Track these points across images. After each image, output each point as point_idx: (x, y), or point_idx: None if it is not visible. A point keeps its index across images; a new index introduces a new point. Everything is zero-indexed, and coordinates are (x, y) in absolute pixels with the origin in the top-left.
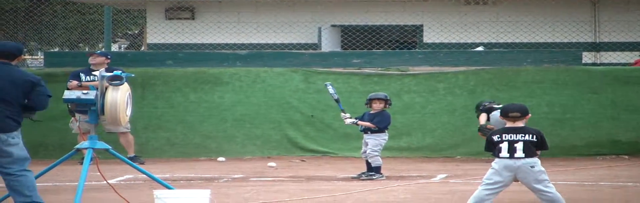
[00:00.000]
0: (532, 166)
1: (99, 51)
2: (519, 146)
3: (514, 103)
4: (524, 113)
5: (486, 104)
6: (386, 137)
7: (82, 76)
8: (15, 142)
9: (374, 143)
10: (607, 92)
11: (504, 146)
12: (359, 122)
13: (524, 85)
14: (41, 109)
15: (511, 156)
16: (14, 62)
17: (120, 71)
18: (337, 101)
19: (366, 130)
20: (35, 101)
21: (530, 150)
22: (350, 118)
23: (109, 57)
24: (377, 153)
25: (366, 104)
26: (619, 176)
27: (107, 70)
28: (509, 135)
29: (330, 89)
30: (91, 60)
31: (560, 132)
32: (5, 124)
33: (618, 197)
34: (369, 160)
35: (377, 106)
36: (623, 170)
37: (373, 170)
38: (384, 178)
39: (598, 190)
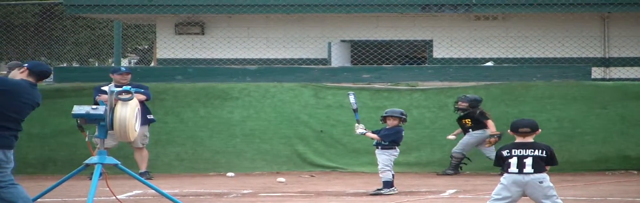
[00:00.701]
0: (541, 182)
1: (124, 68)
2: (528, 161)
3: (523, 119)
4: (533, 128)
5: (470, 109)
6: (396, 153)
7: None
8: (13, 158)
9: (384, 158)
10: (617, 107)
11: (513, 161)
12: (368, 133)
13: (534, 100)
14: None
15: (520, 172)
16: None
17: (141, 87)
18: (355, 111)
19: (377, 145)
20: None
21: (539, 165)
22: (364, 129)
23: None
24: (388, 168)
25: (381, 120)
26: (628, 192)
27: (131, 86)
28: (519, 150)
29: (352, 99)
30: (121, 79)
31: (569, 147)
32: (12, 142)
33: None
34: (380, 175)
35: (392, 122)
36: (632, 185)
37: (383, 185)
38: (393, 193)
39: None
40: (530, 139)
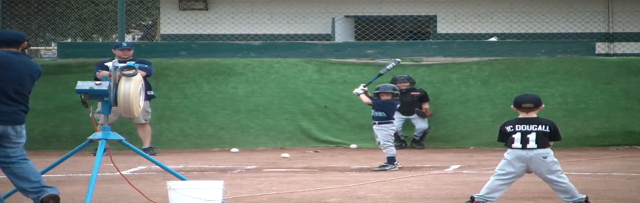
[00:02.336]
0: (545, 157)
1: (125, 44)
2: (532, 137)
3: (527, 94)
4: (537, 103)
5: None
6: (394, 128)
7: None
8: (24, 133)
9: (383, 134)
10: (621, 82)
11: (517, 136)
12: (363, 95)
13: (538, 76)
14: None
15: (523, 147)
16: (20, 50)
17: (144, 63)
18: (379, 74)
19: (374, 120)
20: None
21: (542, 140)
22: (363, 90)
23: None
24: (390, 144)
25: (374, 96)
26: (632, 167)
27: (134, 61)
28: (522, 126)
29: (389, 66)
30: (123, 54)
31: (573, 123)
32: (20, 117)
33: (631, 187)
34: (384, 151)
35: (385, 98)
36: (636, 160)
37: (387, 161)
38: (397, 168)
39: (611, 180)
40: (533, 114)
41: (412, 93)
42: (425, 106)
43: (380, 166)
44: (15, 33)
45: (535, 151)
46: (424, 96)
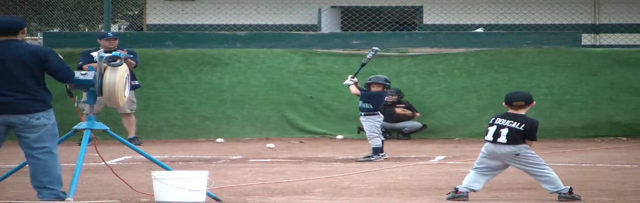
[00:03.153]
0: (517, 154)
1: (111, 33)
2: (504, 132)
3: (518, 91)
4: (528, 101)
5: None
6: (380, 119)
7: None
8: (40, 123)
9: (368, 125)
10: (606, 74)
11: (491, 129)
12: (352, 86)
13: (523, 67)
14: (66, 82)
15: (494, 141)
16: (20, 37)
17: (130, 53)
18: (362, 65)
19: (361, 112)
20: (54, 76)
21: (513, 137)
22: (352, 81)
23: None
24: (376, 134)
25: (365, 87)
26: (617, 158)
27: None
28: (502, 120)
29: (369, 55)
30: (109, 44)
31: (559, 114)
32: (22, 106)
33: (616, 178)
34: (369, 142)
35: (375, 89)
36: (621, 151)
37: (372, 151)
38: (382, 159)
39: (596, 171)
40: (522, 111)
41: (398, 105)
42: (403, 111)
43: (365, 157)
44: (11, 21)
45: (506, 149)
46: (409, 107)
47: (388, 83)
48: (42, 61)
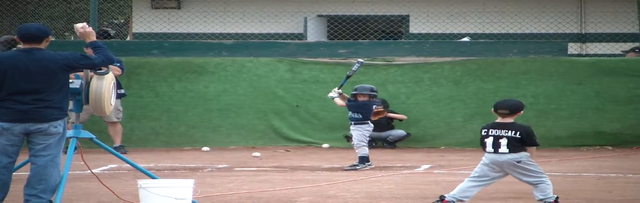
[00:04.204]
0: (518, 162)
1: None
2: (504, 142)
3: (507, 99)
4: (513, 110)
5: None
6: (369, 128)
7: None
8: (56, 131)
9: (357, 134)
10: (592, 83)
11: (489, 141)
12: (336, 99)
13: (510, 76)
14: (106, 64)
15: (495, 152)
16: (43, 45)
17: (119, 62)
18: (347, 77)
19: (351, 120)
20: (95, 69)
21: (514, 146)
22: (337, 93)
23: None
24: (363, 143)
25: (352, 96)
26: (602, 167)
27: None
28: (495, 130)
29: (355, 67)
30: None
31: (544, 123)
32: (41, 115)
33: (601, 187)
34: (356, 151)
35: (362, 99)
36: (607, 160)
37: (358, 160)
38: (368, 168)
39: (582, 181)
40: (510, 119)
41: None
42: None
43: (351, 166)
44: (37, 28)
45: (508, 156)
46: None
47: (374, 93)
48: (71, 67)
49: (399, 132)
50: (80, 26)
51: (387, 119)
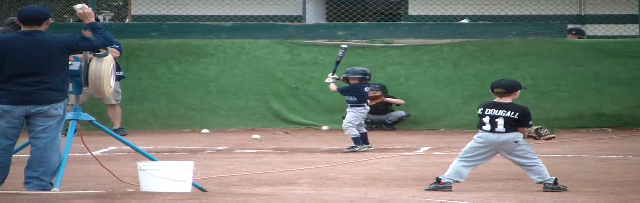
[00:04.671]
0: (516, 141)
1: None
2: (500, 121)
3: (504, 79)
4: (508, 89)
5: None
6: (365, 110)
7: None
8: (57, 113)
9: (350, 115)
10: (591, 65)
11: (486, 120)
12: (331, 84)
13: (509, 58)
14: (106, 46)
15: (492, 130)
16: (43, 28)
17: (116, 45)
18: (337, 62)
19: (347, 102)
20: (95, 51)
21: (510, 125)
22: (334, 79)
23: None
24: (350, 125)
25: (343, 79)
26: (602, 149)
27: None
28: (492, 110)
29: (340, 52)
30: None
31: (544, 105)
32: (42, 97)
33: (601, 169)
34: (345, 132)
35: (353, 82)
36: (606, 142)
37: (354, 142)
38: (366, 148)
39: (581, 162)
40: (507, 99)
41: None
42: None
43: (349, 148)
44: (37, 10)
45: (506, 136)
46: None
47: (365, 75)
48: (71, 49)
49: (398, 112)
50: (79, 7)
51: (384, 104)
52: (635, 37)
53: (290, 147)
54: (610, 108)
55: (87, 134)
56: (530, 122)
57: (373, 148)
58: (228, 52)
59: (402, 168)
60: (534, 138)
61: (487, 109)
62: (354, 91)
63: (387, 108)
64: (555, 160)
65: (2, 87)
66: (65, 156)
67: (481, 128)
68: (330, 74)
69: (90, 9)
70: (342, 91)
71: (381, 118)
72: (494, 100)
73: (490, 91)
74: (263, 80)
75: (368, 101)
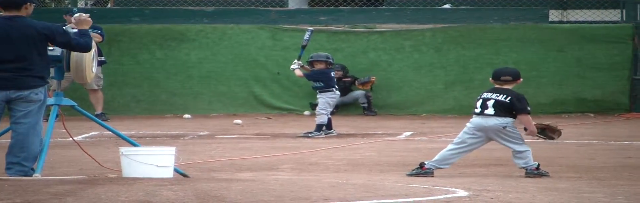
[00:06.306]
0: (505, 127)
1: (76, 9)
2: (490, 103)
3: (507, 67)
4: (515, 76)
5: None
6: (334, 95)
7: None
8: (37, 98)
9: (321, 101)
10: (573, 50)
11: (479, 103)
12: (296, 70)
13: (491, 43)
14: (85, 52)
15: (481, 113)
16: (23, 13)
17: (95, 28)
18: (302, 47)
19: (314, 88)
20: (71, 50)
21: (500, 109)
22: (299, 65)
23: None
24: (323, 112)
25: (308, 63)
26: (584, 134)
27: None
28: (488, 94)
29: (306, 36)
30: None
31: (526, 90)
32: (22, 82)
33: (583, 154)
34: (315, 118)
35: (319, 66)
36: (588, 127)
37: (315, 128)
38: (323, 136)
39: (563, 147)
40: (508, 86)
41: (344, 80)
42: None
43: (304, 133)
44: None
45: (494, 121)
46: (355, 80)
47: (330, 60)
48: (49, 39)
49: (358, 93)
50: (83, 15)
51: (346, 83)
52: (617, 23)
53: (272, 132)
54: (592, 93)
55: (69, 119)
56: (528, 108)
57: (335, 134)
58: (210, 38)
59: (384, 153)
60: (546, 138)
61: (484, 93)
62: (321, 76)
63: (347, 88)
64: (538, 145)
65: None
66: (46, 142)
67: (473, 111)
68: (296, 60)
69: (88, 16)
70: (309, 76)
71: (343, 101)
72: (495, 86)
73: (494, 79)
74: (245, 65)
75: (336, 86)
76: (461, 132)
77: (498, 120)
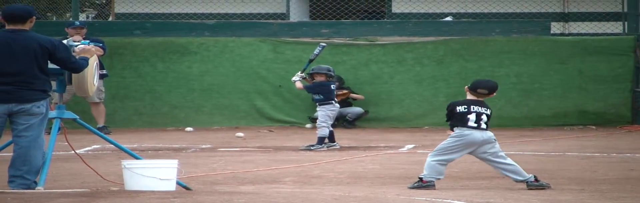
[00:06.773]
0: (495, 140)
1: (78, 22)
2: (485, 118)
3: (488, 80)
4: (491, 91)
5: None
6: (334, 108)
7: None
8: (39, 111)
9: (321, 114)
10: (575, 62)
11: (472, 117)
12: (297, 82)
13: (493, 55)
14: (76, 72)
15: (479, 127)
16: (27, 26)
17: (97, 41)
18: (310, 61)
19: (314, 101)
20: (64, 68)
21: (487, 123)
22: (301, 78)
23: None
24: (324, 124)
25: (309, 76)
26: (586, 147)
27: (89, 40)
28: (476, 107)
29: (317, 50)
30: (75, 33)
31: (528, 102)
32: (24, 95)
33: (585, 167)
34: (317, 131)
35: (319, 78)
36: (590, 140)
37: (317, 141)
38: (325, 148)
39: (565, 160)
40: (482, 98)
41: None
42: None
43: (306, 146)
44: (22, 8)
45: (488, 134)
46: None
47: (331, 72)
48: (50, 53)
49: (356, 109)
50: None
51: (346, 98)
52: (619, 35)
53: (274, 145)
54: (594, 105)
55: (71, 132)
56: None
57: (338, 147)
58: (211, 50)
59: (386, 166)
60: None
61: (472, 106)
62: (320, 88)
63: (346, 101)
64: (540, 158)
65: None
66: (49, 155)
67: (465, 125)
68: (300, 72)
69: (93, 47)
70: (309, 88)
71: (340, 113)
72: (470, 98)
73: (470, 89)
74: (247, 78)
75: (335, 99)
76: (445, 143)
77: (490, 133)
